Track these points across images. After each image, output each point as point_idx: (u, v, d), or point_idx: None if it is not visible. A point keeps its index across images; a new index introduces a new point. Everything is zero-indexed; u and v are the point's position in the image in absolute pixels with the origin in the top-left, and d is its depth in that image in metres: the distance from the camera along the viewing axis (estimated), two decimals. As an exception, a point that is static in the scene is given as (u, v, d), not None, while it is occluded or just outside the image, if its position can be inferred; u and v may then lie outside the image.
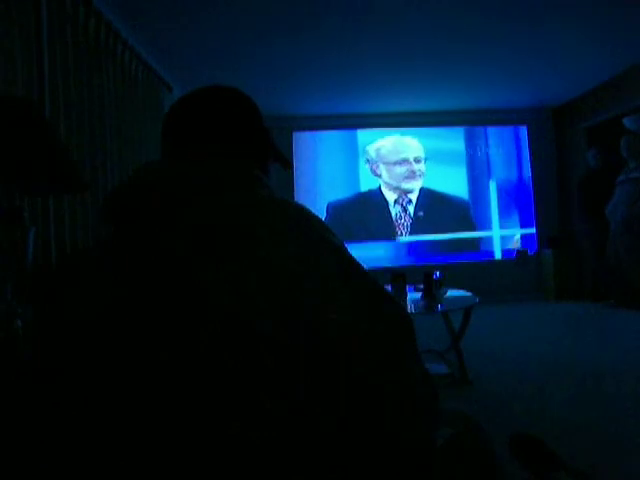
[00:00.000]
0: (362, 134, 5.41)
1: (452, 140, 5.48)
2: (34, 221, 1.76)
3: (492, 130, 5.57)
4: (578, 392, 2.35)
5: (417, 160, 5.15)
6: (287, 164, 0.87)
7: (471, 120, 5.50)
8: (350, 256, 0.61)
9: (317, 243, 0.58)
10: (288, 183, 5.14)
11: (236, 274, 0.52)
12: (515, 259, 5.41)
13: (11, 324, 1.24)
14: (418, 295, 2.93)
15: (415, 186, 5.16)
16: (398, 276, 2.86)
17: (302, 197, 5.21)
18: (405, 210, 5.19)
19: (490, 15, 3.02)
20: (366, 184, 5.32)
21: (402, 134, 5.40)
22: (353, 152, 5.38)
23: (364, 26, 3.11)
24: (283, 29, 3.11)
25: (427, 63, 3.87)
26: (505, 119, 5.56)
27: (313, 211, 0.63)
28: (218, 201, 0.60)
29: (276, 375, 0.49)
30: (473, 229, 5.35)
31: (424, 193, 5.19)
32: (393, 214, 5.19)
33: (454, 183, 5.43)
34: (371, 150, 5.27)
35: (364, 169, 5.33)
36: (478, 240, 5.45)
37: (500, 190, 5.52)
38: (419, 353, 0.60)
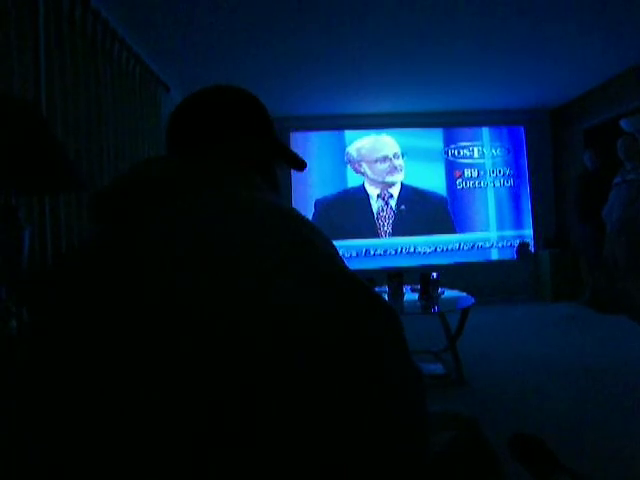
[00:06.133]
0: (358, 134, 5.44)
1: (449, 140, 5.52)
2: (30, 220, 1.75)
3: (490, 131, 5.59)
4: (575, 392, 2.35)
5: (396, 156, 5.43)
6: (297, 163, 0.83)
7: (468, 121, 5.51)
8: (338, 259, 0.59)
9: (302, 246, 0.58)
10: (285, 183, 5.15)
11: (224, 278, 0.52)
12: (516, 253, 5.42)
13: (6, 324, 1.23)
14: (415, 296, 2.93)
15: (397, 179, 5.42)
16: (395, 276, 2.87)
17: (300, 197, 5.24)
18: (387, 204, 5.42)
19: (488, 16, 3.03)
20: (359, 182, 5.44)
21: (398, 134, 5.44)
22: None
23: (362, 25, 3.11)
24: (281, 29, 3.11)
25: (426, 64, 3.88)
26: (503, 120, 5.57)
27: (310, 211, 0.63)
28: (208, 202, 0.60)
29: (264, 378, 0.49)
30: (450, 223, 5.48)
31: (405, 188, 5.43)
32: (376, 208, 5.42)
33: (450, 183, 5.49)
34: (352, 150, 5.45)
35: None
36: (475, 240, 5.49)
37: (497, 191, 5.55)
38: (400, 341, 0.59)
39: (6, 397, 0.58)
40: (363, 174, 5.40)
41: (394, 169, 5.39)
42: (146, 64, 3.30)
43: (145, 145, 3.18)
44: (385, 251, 5.36)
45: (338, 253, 0.61)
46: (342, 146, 5.45)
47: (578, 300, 4.69)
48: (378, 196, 5.41)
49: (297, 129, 5.36)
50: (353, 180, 5.42)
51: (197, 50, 3.39)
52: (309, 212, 5.19)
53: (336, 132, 5.44)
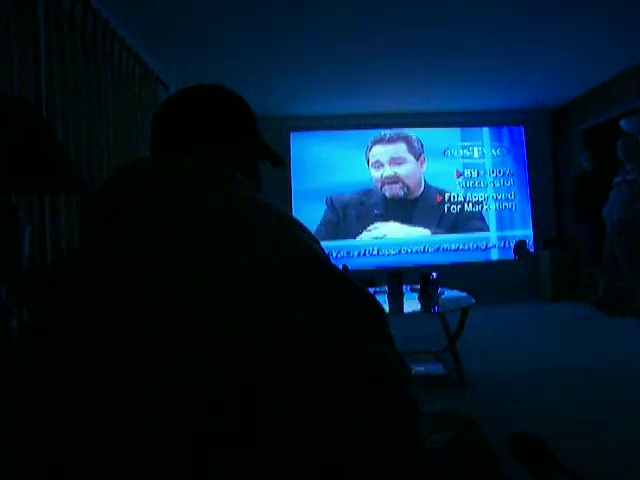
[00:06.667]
0: (358, 134, 5.45)
1: (449, 141, 5.52)
2: (30, 220, 1.75)
3: (490, 131, 5.58)
4: (575, 393, 2.35)
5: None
6: (278, 162, 0.85)
7: (467, 121, 5.51)
8: (319, 252, 0.60)
9: (298, 246, 0.58)
10: (285, 184, 5.15)
11: (223, 279, 0.53)
12: (514, 252, 5.41)
13: (6, 324, 1.23)
14: (415, 296, 2.93)
15: (398, 179, 5.45)
16: (395, 276, 2.85)
17: (299, 198, 5.24)
18: (388, 203, 5.45)
19: (487, 16, 3.02)
20: (361, 182, 5.46)
21: (397, 134, 5.45)
22: (350, 152, 5.45)
23: (361, 25, 3.11)
24: (282, 30, 3.11)
25: (425, 64, 3.87)
26: (503, 120, 5.57)
27: (308, 211, 0.63)
28: (203, 201, 0.60)
29: (264, 378, 0.49)
30: (451, 223, 5.51)
31: (406, 188, 5.45)
32: (377, 207, 5.44)
33: (450, 183, 5.50)
34: (367, 152, 5.52)
35: (360, 167, 5.48)
36: (475, 241, 5.49)
37: (497, 191, 5.55)
38: (391, 338, 0.59)
39: (6, 397, 0.58)
40: (373, 174, 5.46)
41: (397, 177, 5.45)
42: (145, 63, 3.30)
43: (145, 145, 3.17)
44: (385, 251, 5.37)
45: (325, 252, 0.62)
46: (342, 146, 5.44)
47: (590, 299, 4.59)
48: (379, 195, 5.44)
49: (297, 129, 5.36)
50: (353, 180, 5.42)
51: (197, 50, 3.38)
52: (308, 211, 5.20)
53: (336, 132, 5.44)
